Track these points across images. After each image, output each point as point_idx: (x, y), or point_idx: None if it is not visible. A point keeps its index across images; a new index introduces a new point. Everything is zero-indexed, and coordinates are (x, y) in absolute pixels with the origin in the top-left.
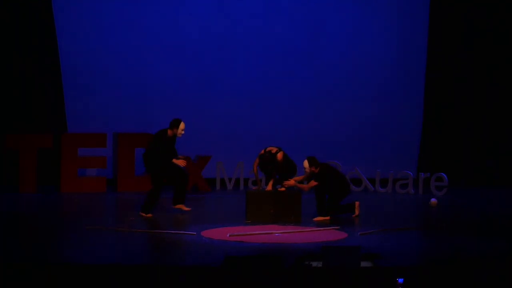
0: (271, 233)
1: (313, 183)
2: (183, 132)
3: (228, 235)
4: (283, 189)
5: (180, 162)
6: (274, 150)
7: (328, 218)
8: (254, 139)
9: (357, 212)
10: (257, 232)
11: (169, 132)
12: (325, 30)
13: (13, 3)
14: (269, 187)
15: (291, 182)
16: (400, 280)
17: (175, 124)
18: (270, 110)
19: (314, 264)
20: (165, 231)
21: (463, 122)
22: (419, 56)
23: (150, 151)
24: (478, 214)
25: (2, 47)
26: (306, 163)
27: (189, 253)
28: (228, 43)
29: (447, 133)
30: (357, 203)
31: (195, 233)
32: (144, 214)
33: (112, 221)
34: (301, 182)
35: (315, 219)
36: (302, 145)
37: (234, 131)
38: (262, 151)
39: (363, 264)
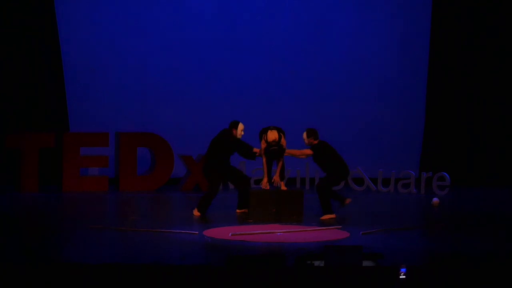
0: (273, 232)
1: (308, 151)
2: (242, 133)
3: (230, 235)
4: (285, 188)
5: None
6: (276, 137)
7: (334, 216)
8: (256, 139)
9: (346, 202)
10: (259, 232)
11: (234, 132)
12: (327, 30)
13: (15, 3)
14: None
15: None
16: (403, 270)
17: (234, 125)
18: (272, 110)
19: (316, 263)
20: (167, 231)
21: (465, 121)
22: (421, 56)
23: (213, 154)
24: (480, 213)
25: (4, 47)
26: (304, 134)
27: (191, 253)
28: (230, 43)
29: (449, 133)
30: (348, 199)
31: (197, 232)
32: (196, 213)
33: (114, 221)
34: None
35: (322, 218)
36: (304, 145)
37: None
38: (264, 144)
39: (365, 263)
